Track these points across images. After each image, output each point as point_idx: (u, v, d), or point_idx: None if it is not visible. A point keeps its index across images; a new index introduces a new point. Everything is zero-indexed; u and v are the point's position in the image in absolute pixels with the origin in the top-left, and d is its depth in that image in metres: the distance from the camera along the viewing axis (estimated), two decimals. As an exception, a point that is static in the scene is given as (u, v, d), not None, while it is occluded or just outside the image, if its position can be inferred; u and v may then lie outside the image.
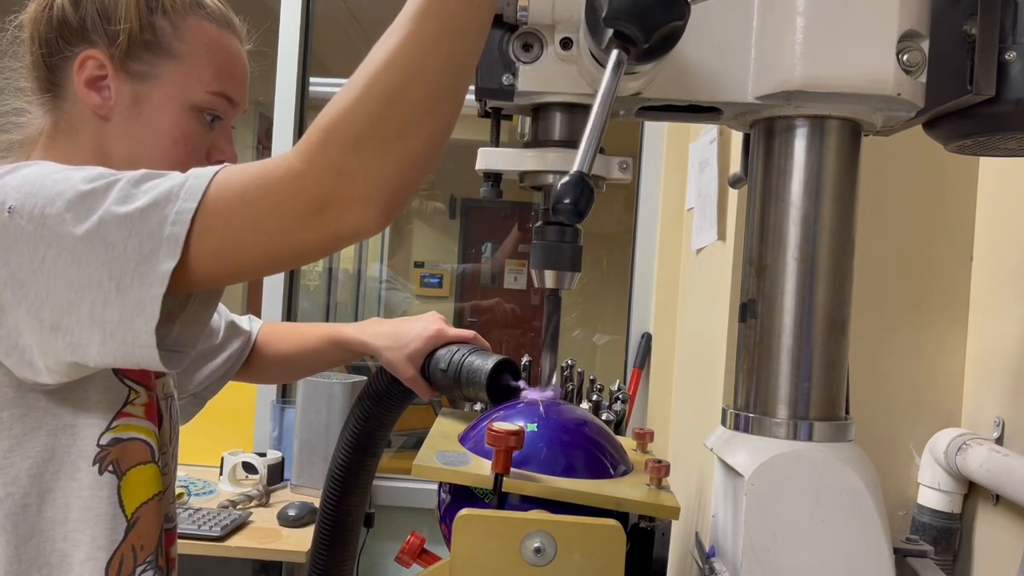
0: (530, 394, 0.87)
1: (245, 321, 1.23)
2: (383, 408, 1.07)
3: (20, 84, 0.91)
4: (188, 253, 0.69)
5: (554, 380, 0.86)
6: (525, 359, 1.13)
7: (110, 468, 0.82)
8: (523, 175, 0.84)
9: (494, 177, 0.85)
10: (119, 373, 0.84)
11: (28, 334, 0.73)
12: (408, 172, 0.67)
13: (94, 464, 0.81)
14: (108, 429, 0.82)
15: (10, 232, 0.70)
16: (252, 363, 1.21)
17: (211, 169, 0.71)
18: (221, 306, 1.19)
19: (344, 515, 1.09)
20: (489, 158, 0.83)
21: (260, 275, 0.75)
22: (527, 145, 0.84)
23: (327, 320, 3.36)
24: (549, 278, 0.83)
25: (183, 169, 0.90)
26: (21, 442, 0.78)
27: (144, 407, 0.86)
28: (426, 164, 0.68)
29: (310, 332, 1.20)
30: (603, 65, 0.73)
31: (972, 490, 1.21)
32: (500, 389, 0.96)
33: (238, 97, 0.93)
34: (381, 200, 0.67)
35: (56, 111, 0.89)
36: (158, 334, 0.70)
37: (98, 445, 0.81)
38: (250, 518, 2.08)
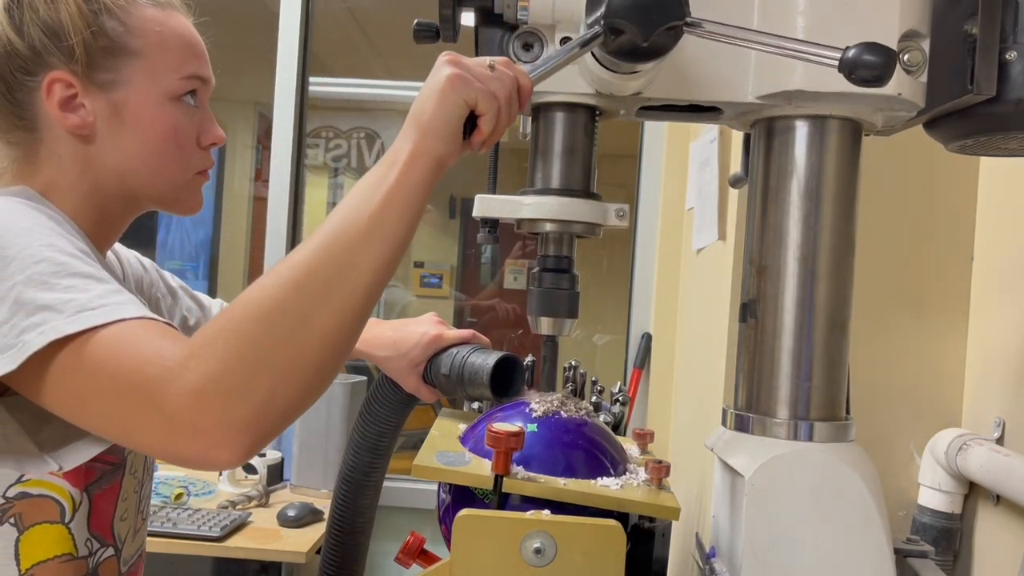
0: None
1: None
2: (389, 411, 1.08)
3: None
4: (37, 368, 0.66)
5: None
6: (528, 359, 1.13)
7: (11, 520, 0.78)
8: (520, 221, 0.84)
9: (491, 223, 0.85)
10: None
11: None
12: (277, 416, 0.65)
13: None
14: (18, 482, 0.78)
15: None
16: None
17: (126, 310, 0.68)
18: (213, 303, 1.17)
19: (356, 516, 1.10)
20: (486, 205, 0.83)
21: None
22: (524, 192, 0.84)
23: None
24: (546, 325, 0.83)
25: (180, 165, 0.88)
26: None
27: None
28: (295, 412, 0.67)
29: None
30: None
31: (972, 490, 1.20)
32: (504, 385, 0.96)
33: (206, 73, 0.90)
34: (242, 441, 0.64)
35: (31, 143, 0.85)
36: (28, 432, 0.73)
37: (3, 497, 0.78)
38: (250, 518, 2.07)
